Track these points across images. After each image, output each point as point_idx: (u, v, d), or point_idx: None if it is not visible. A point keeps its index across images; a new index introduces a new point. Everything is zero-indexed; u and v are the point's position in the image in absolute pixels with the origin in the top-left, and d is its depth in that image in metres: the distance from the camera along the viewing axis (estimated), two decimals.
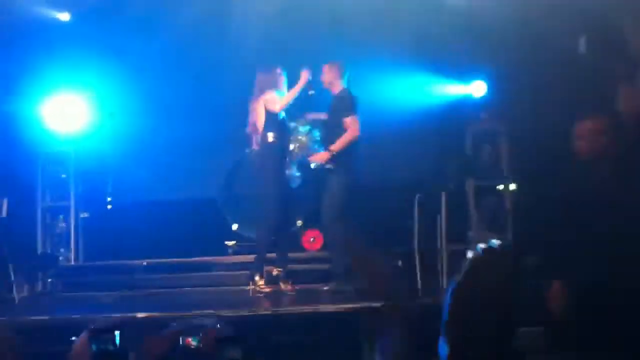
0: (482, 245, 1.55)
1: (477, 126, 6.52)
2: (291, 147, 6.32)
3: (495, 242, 1.58)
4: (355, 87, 6.10)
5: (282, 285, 5.88)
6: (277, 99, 5.81)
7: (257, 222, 6.14)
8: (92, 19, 6.95)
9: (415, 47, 6.58)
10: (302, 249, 6.81)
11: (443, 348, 1.46)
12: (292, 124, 6.27)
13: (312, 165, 6.04)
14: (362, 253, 1.89)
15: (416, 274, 5.44)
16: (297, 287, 5.88)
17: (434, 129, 6.88)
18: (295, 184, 6.49)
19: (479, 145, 6.49)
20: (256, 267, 5.89)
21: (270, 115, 5.83)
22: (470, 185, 6.20)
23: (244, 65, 6.57)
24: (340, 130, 5.68)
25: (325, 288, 5.76)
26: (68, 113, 6.88)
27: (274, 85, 5.87)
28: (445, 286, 5.72)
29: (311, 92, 5.81)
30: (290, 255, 6.11)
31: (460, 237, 6.02)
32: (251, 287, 5.85)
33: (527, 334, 1.87)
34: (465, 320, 1.47)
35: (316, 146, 6.27)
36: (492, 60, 6.33)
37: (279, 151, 5.89)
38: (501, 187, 6.42)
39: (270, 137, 5.82)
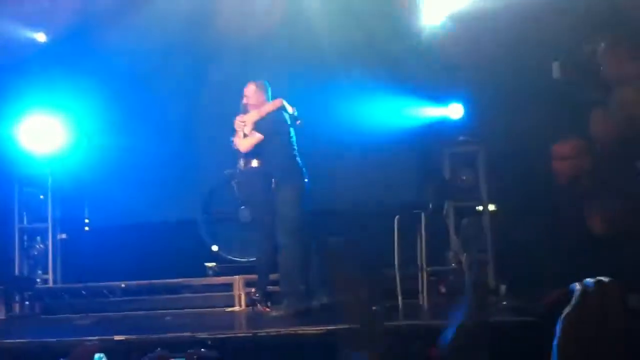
0: (591, 280, 1.56)
1: (455, 148, 6.60)
2: None
3: (605, 278, 1.59)
4: (332, 111, 6.18)
5: (259, 307, 5.87)
6: (241, 141, 5.87)
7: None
8: (68, 40, 6.93)
9: (391, 71, 6.66)
10: None
11: None
12: None
13: None
14: (344, 271, 1.90)
15: (397, 295, 5.47)
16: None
17: (411, 151, 6.96)
18: None
19: (457, 167, 6.57)
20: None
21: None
22: (449, 206, 6.26)
23: (223, 84, 6.61)
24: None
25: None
26: (45, 134, 6.81)
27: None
28: (425, 307, 5.77)
29: (299, 122, 5.88)
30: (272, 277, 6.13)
31: (439, 259, 6.09)
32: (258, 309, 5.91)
33: None
34: (577, 352, 1.47)
35: None
36: (468, 83, 6.43)
37: (264, 175, 5.90)
38: (480, 208, 6.50)
39: (254, 162, 5.87)
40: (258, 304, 5.89)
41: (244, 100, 5.91)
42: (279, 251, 5.69)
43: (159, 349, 2.33)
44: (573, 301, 1.50)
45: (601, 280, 1.51)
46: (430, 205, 5.94)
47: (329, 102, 6.70)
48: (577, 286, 1.52)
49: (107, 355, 2.44)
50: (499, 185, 6.33)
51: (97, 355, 2.47)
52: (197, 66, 6.94)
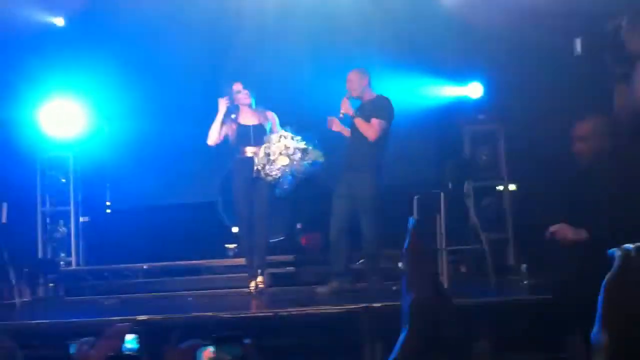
0: (631, 245, 1.56)
1: (475, 127, 6.56)
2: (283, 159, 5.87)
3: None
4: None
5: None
6: (210, 133, 5.97)
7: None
8: (87, 23, 6.96)
9: (410, 49, 6.62)
10: (302, 250, 6.89)
11: (598, 338, 1.49)
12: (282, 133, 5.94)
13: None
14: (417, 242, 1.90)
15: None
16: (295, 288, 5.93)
17: (431, 130, 6.94)
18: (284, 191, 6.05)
19: (476, 147, 6.54)
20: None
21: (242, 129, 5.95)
22: (469, 186, 6.24)
23: (241, 67, 6.62)
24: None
25: (321, 289, 5.78)
26: (66, 118, 6.87)
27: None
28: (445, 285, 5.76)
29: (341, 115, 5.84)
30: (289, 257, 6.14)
31: (459, 238, 6.07)
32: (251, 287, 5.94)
33: None
34: (623, 314, 1.46)
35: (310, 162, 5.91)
36: (488, 62, 6.37)
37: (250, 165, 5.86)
38: (500, 187, 6.47)
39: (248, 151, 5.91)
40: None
41: (347, 85, 5.86)
42: (344, 232, 5.77)
43: (192, 340, 2.32)
44: (615, 266, 1.48)
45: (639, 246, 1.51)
46: (450, 185, 5.92)
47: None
48: (618, 251, 1.51)
49: (139, 337, 2.46)
50: (519, 165, 6.29)
51: (128, 338, 2.50)
52: (216, 49, 6.94)
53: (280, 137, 5.74)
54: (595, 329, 1.47)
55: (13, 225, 6.50)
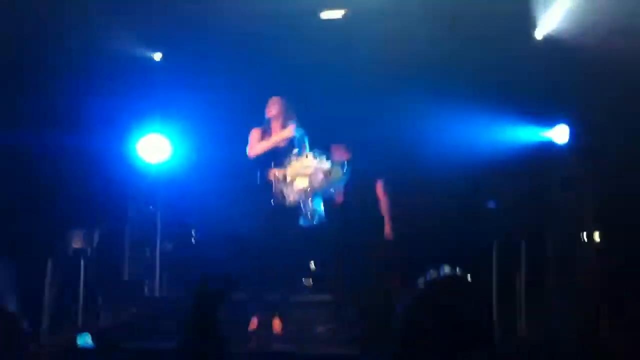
0: (432, 272, 1.65)
1: (561, 172, 6.36)
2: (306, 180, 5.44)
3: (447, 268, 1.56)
4: (439, 133, 6.10)
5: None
6: (253, 143, 5.59)
7: None
8: (182, 59, 7.25)
9: (496, 92, 6.50)
10: None
11: None
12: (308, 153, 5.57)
13: None
14: None
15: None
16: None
17: (514, 174, 6.76)
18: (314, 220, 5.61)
19: (562, 192, 6.32)
20: None
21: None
22: (552, 233, 6.04)
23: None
24: None
25: None
26: (156, 149, 7.19)
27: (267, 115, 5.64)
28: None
29: None
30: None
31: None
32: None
33: None
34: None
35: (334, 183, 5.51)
36: (576, 104, 6.17)
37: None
38: (585, 235, 6.22)
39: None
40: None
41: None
42: None
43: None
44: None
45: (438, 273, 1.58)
46: (531, 233, 5.76)
47: (424, 121, 6.62)
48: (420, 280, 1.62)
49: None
50: (606, 214, 6.03)
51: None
52: (297, 85, 7.06)
53: (304, 156, 5.44)
54: None
55: (103, 251, 6.81)
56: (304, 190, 5.32)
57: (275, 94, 5.82)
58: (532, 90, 6.37)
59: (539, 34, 6.46)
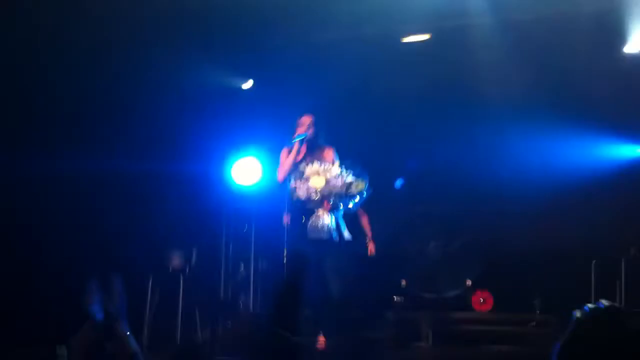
0: (590, 305, 1.55)
1: None
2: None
3: (604, 302, 1.57)
4: (529, 153, 6.09)
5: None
6: (281, 165, 5.52)
7: None
8: (271, 88, 7.58)
9: (588, 107, 6.42)
10: (471, 310, 6.92)
11: None
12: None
13: None
14: None
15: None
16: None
17: (612, 192, 6.63)
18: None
19: None
20: None
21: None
22: None
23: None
24: None
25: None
26: (250, 172, 7.54)
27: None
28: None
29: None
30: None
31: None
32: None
33: None
34: None
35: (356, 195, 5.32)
36: None
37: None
38: None
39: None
40: None
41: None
42: None
43: None
44: (567, 331, 1.50)
45: (598, 306, 1.46)
46: (632, 250, 5.64)
47: (517, 141, 6.62)
48: (577, 313, 1.48)
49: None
50: None
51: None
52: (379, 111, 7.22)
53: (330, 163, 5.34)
54: None
55: (200, 268, 7.23)
56: (315, 190, 5.17)
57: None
58: (627, 106, 6.27)
59: (630, 49, 6.34)
